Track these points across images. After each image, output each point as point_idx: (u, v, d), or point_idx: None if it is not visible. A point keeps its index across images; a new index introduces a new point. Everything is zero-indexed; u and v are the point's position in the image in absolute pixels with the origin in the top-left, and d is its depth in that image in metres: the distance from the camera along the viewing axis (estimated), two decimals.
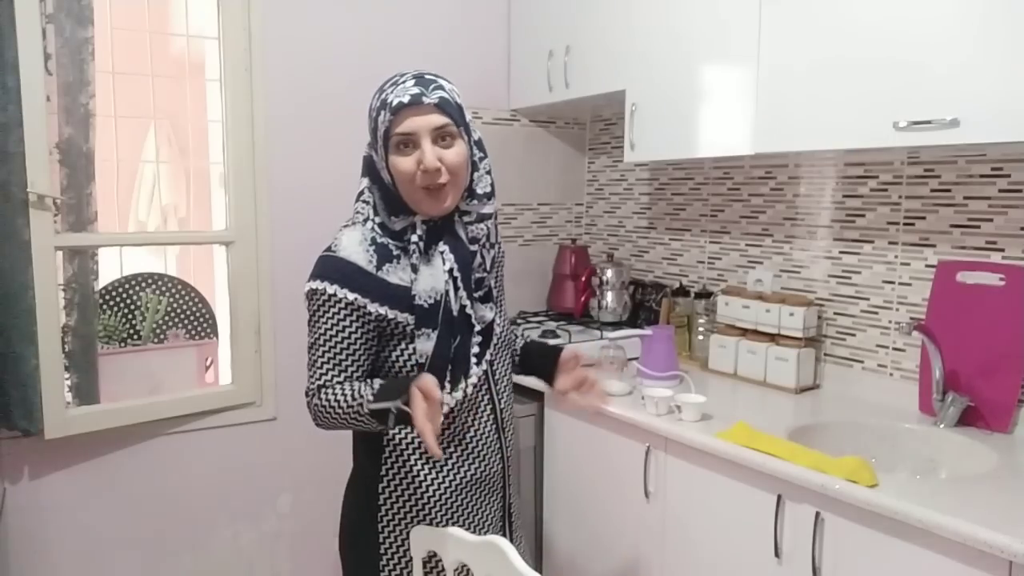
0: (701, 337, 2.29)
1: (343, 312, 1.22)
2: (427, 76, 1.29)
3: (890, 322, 1.90)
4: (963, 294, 1.71)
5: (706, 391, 1.91)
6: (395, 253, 1.26)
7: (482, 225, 1.31)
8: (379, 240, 1.26)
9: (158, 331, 2.60)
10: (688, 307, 2.35)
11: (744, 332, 2.10)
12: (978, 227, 1.73)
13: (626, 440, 1.84)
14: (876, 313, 1.93)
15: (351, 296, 1.21)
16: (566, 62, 2.34)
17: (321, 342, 1.23)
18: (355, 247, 1.24)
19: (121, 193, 3.03)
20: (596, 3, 2.24)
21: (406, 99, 1.23)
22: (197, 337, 2.67)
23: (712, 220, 2.38)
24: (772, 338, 2.02)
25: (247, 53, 2.15)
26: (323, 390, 1.23)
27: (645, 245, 2.63)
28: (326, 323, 1.22)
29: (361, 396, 1.18)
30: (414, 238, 1.26)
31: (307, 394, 1.26)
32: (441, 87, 1.28)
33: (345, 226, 1.29)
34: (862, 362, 1.96)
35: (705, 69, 1.93)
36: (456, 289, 1.26)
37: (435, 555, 1.26)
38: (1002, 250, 1.69)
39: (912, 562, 1.26)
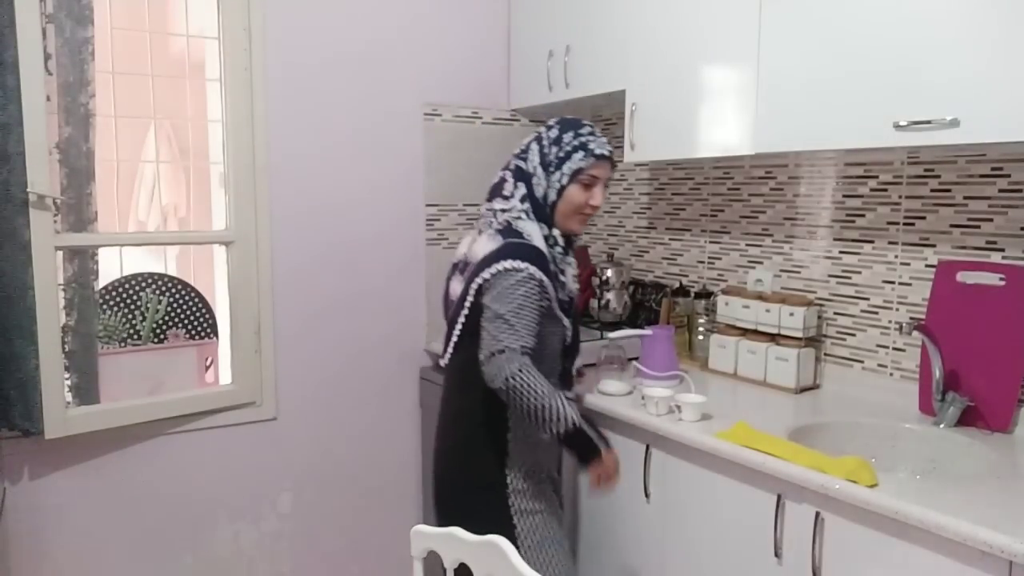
0: (701, 337, 2.29)
1: (536, 290, 1.48)
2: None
3: (890, 322, 1.90)
4: (963, 294, 1.71)
5: (706, 391, 1.91)
6: (551, 253, 1.58)
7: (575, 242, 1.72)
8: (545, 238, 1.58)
9: (158, 331, 2.60)
10: (688, 307, 2.35)
11: (744, 332, 2.10)
12: (978, 227, 1.73)
13: (626, 440, 1.84)
14: (876, 313, 1.93)
15: (544, 279, 1.49)
16: (566, 62, 2.34)
17: (515, 309, 1.44)
18: (540, 240, 1.55)
19: (121, 193, 3.02)
20: (596, 3, 2.24)
21: (607, 152, 1.60)
22: (197, 337, 2.67)
23: (712, 220, 2.38)
24: (772, 338, 2.02)
25: (247, 53, 2.15)
26: (525, 356, 1.43)
27: (645, 245, 2.63)
28: (521, 296, 1.45)
29: (565, 407, 1.44)
30: (561, 243, 1.61)
31: (500, 352, 1.42)
32: None
33: (510, 216, 1.57)
34: (862, 362, 1.96)
35: (705, 69, 1.93)
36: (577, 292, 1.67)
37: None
38: (1002, 250, 1.69)
39: (912, 562, 1.26)
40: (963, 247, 1.75)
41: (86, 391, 2.08)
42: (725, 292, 2.17)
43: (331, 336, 2.39)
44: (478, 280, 1.50)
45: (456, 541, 1.18)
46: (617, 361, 1.99)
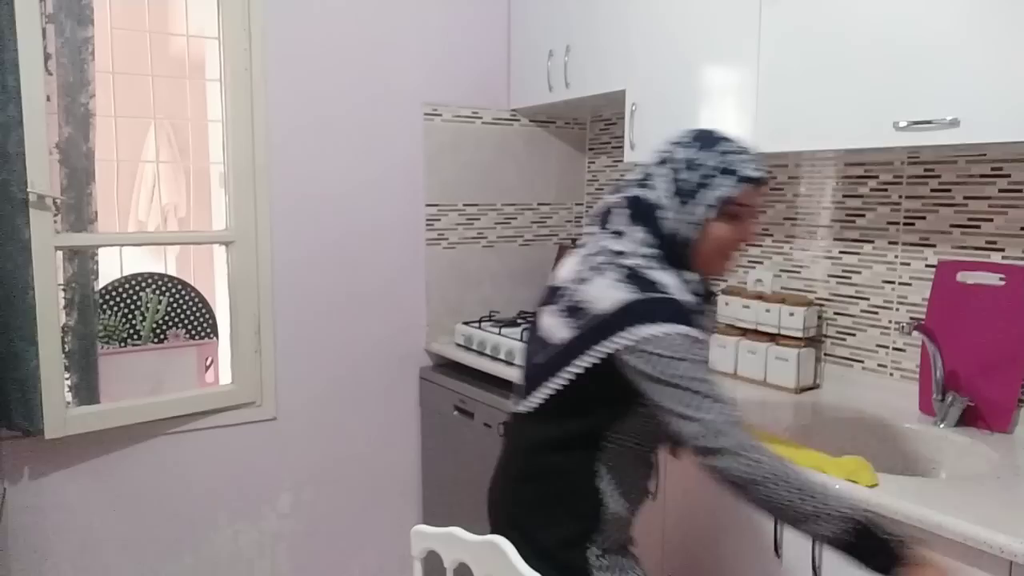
0: None
1: (702, 349, 1.16)
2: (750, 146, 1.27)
3: (890, 322, 1.90)
4: (963, 294, 1.71)
5: None
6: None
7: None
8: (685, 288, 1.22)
9: (158, 331, 2.60)
10: None
11: (744, 332, 2.10)
12: (978, 227, 1.73)
13: None
14: (876, 313, 1.93)
15: (702, 338, 1.17)
16: (566, 62, 2.34)
17: (701, 379, 1.12)
18: (684, 295, 1.19)
19: (121, 193, 3.02)
20: (596, 3, 2.24)
21: (763, 174, 1.24)
22: (197, 337, 2.67)
23: None
24: (772, 338, 2.02)
25: (247, 53, 2.15)
26: (747, 433, 1.11)
27: None
28: (694, 361, 1.13)
29: (832, 495, 1.06)
30: (700, 290, 1.25)
31: (720, 437, 1.09)
32: None
33: (635, 264, 1.20)
34: (862, 362, 1.96)
35: (705, 69, 1.93)
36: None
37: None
38: (1002, 250, 1.69)
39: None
40: (963, 247, 1.75)
41: (86, 391, 2.08)
42: (725, 292, 2.17)
43: (331, 336, 2.39)
44: (615, 344, 1.15)
45: (456, 541, 1.18)
46: None
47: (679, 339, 1.12)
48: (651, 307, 1.15)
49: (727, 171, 1.21)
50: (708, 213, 1.21)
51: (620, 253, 1.22)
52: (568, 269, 1.30)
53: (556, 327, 1.24)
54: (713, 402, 1.10)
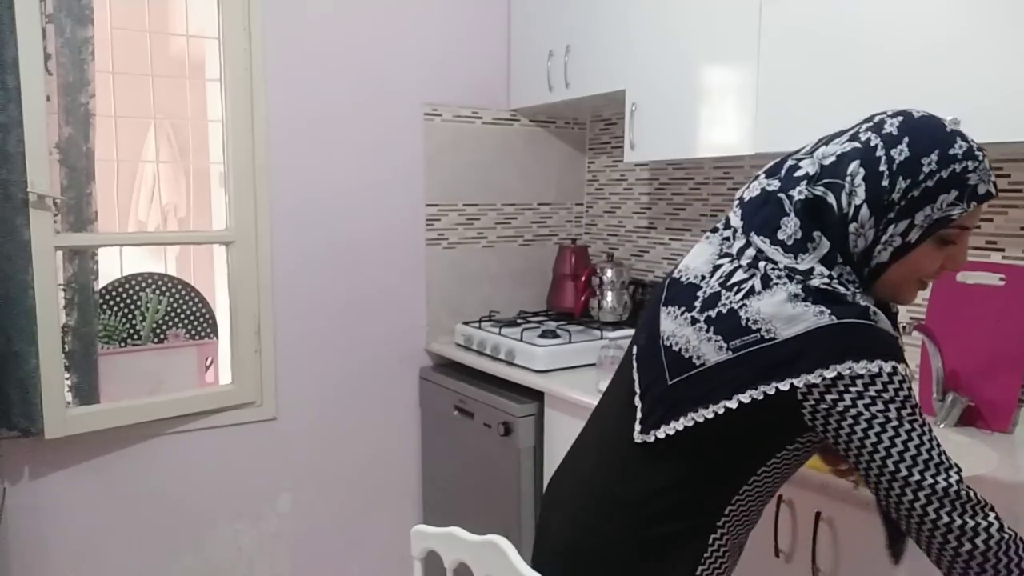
0: None
1: (912, 395, 0.89)
2: (983, 150, 0.96)
3: None
4: (963, 294, 1.71)
5: None
6: None
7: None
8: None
9: (158, 331, 2.60)
10: None
11: None
12: (978, 227, 1.73)
13: None
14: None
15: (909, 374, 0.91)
16: (566, 62, 2.34)
17: (919, 435, 0.87)
18: (888, 324, 0.91)
19: (121, 193, 3.03)
20: (596, 3, 2.24)
21: (993, 190, 0.93)
22: (197, 337, 2.67)
23: (712, 220, 2.37)
24: None
25: (247, 53, 2.15)
26: (969, 495, 0.89)
27: (645, 245, 2.63)
28: (915, 408, 0.88)
29: None
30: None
31: (954, 505, 0.86)
32: None
33: (824, 288, 0.90)
34: None
35: (705, 69, 1.93)
36: None
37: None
38: (1002, 250, 1.69)
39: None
40: None
41: (86, 391, 2.08)
42: None
43: (331, 336, 2.39)
44: (802, 380, 0.87)
45: (456, 541, 1.18)
46: (617, 361, 1.99)
47: (894, 381, 0.86)
48: (857, 337, 0.87)
49: (955, 183, 0.90)
50: (914, 235, 0.91)
51: (791, 270, 0.92)
52: (703, 261, 1.01)
53: (694, 341, 0.95)
54: (940, 468, 0.87)
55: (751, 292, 0.92)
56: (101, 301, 2.47)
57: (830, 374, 0.86)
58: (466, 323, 2.52)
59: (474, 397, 2.28)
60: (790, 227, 0.93)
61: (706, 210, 2.39)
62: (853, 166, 0.92)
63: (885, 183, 0.90)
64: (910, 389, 0.88)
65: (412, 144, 2.49)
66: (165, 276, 2.69)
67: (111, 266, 2.59)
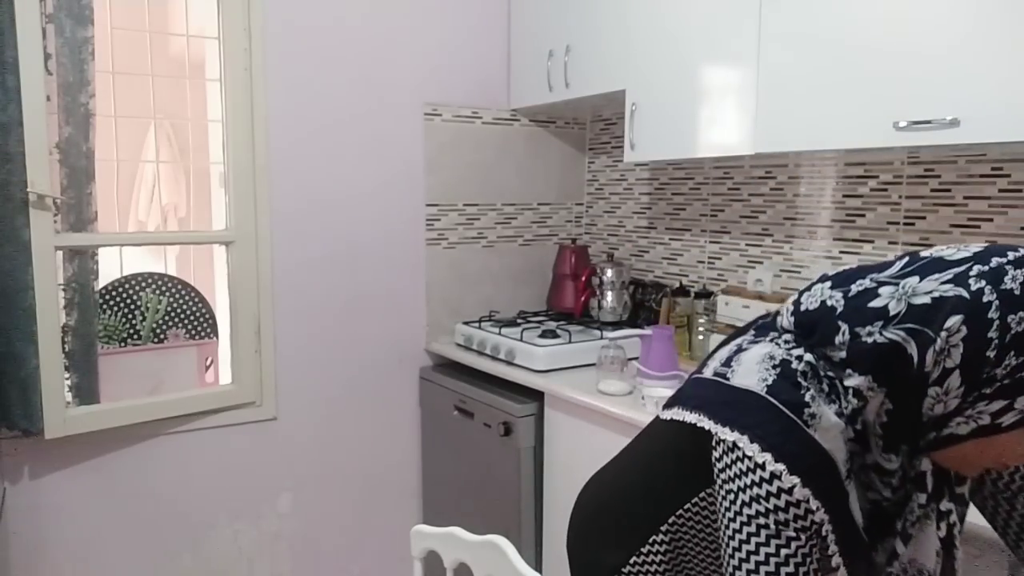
0: (701, 337, 2.28)
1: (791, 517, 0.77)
2: None
3: None
4: None
5: None
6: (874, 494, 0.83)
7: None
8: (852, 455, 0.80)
9: (158, 331, 2.60)
10: (688, 307, 2.35)
11: None
12: (978, 227, 1.73)
13: (626, 440, 1.83)
14: None
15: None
16: (566, 62, 2.34)
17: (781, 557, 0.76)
18: (838, 443, 0.77)
19: (121, 193, 3.03)
20: (596, 3, 2.24)
21: None
22: (197, 337, 2.68)
23: (712, 220, 2.38)
24: None
25: (247, 53, 2.15)
26: None
27: (645, 245, 2.63)
28: (791, 540, 0.75)
29: None
30: (922, 498, 0.81)
31: None
32: None
33: (794, 366, 0.80)
34: None
35: (705, 69, 1.93)
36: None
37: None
38: None
39: None
40: None
41: (86, 391, 2.08)
42: (725, 292, 2.17)
43: (331, 336, 2.39)
44: (684, 416, 0.87)
45: (456, 541, 1.18)
46: (617, 361, 1.99)
47: (774, 487, 0.75)
48: (772, 425, 0.78)
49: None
50: (1012, 419, 0.74)
51: (790, 350, 0.82)
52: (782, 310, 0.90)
53: (716, 358, 0.92)
54: None
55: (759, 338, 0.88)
56: (101, 301, 2.47)
57: (730, 437, 0.78)
58: (466, 323, 2.52)
59: (474, 397, 2.28)
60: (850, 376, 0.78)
61: (706, 210, 2.39)
62: (954, 322, 0.72)
63: (991, 354, 0.71)
64: (794, 513, 0.74)
65: (412, 144, 2.49)
66: (165, 276, 2.69)
67: (111, 266, 2.59)
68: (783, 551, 0.75)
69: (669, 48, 2.01)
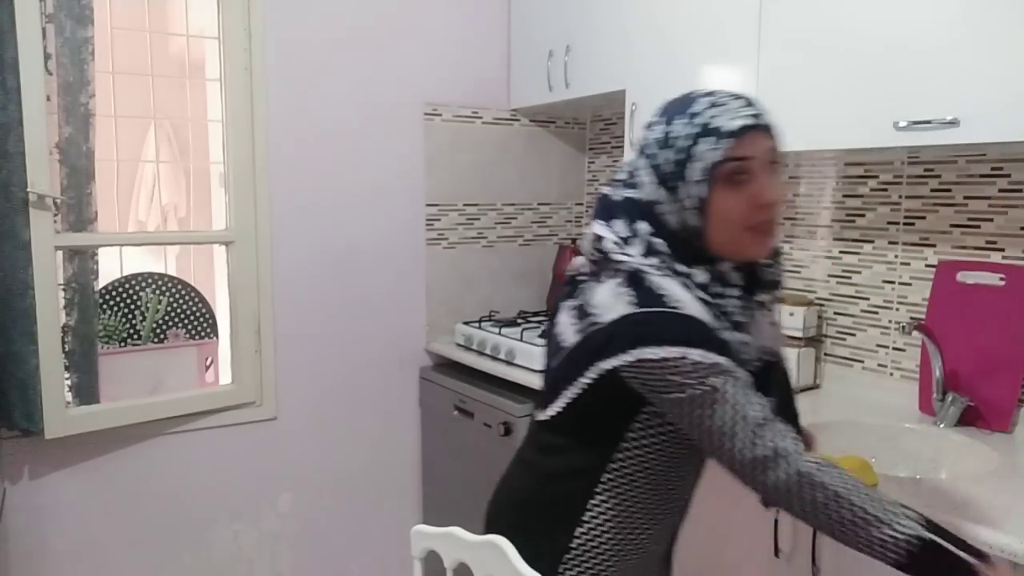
0: None
1: (714, 371, 0.97)
2: (741, 94, 1.04)
3: (890, 322, 1.90)
4: (963, 294, 1.71)
5: None
6: (713, 310, 1.02)
7: (778, 267, 1.14)
8: (699, 296, 1.02)
9: (158, 331, 2.60)
10: None
11: None
12: (978, 227, 1.73)
13: None
14: (876, 313, 1.93)
15: (717, 360, 0.97)
16: (566, 62, 2.34)
17: (726, 402, 0.96)
18: (690, 303, 0.99)
19: (121, 193, 3.03)
20: (596, 3, 2.24)
21: (749, 121, 0.99)
22: (197, 337, 2.67)
23: None
24: None
25: (247, 53, 2.15)
26: (794, 442, 0.96)
27: None
28: (711, 387, 0.96)
29: (892, 508, 0.95)
30: (736, 281, 1.05)
31: (780, 458, 0.94)
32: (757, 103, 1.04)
33: (636, 266, 1.01)
34: (862, 362, 1.96)
35: (705, 69, 1.93)
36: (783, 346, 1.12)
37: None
38: (1002, 250, 1.69)
39: None
40: (963, 247, 1.75)
41: (86, 391, 2.08)
42: None
43: (331, 336, 2.39)
44: (612, 363, 1.00)
45: (456, 541, 1.18)
46: None
47: (688, 364, 0.95)
48: (652, 327, 0.97)
49: (705, 133, 0.99)
50: (701, 190, 1.00)
51: (621, 257, 1.03)
52: (581, 259, 1.14)
53: (567, 329, 1.09)
54: (745, 435, 0.95)
55: (595, 285, 1.06)
56: (101, 301, 2.47)
57: (629, 358, 0.98)
58: (466, 323, 2.52)
59: (474, 397, 2.28)
60: (619, 227, 1.06)
61: None
62: (639, 161, 1.07)
63: (659, 162, 1.03)
64: (708, 369, 0.96)
65: (412, 144, 2.49)
66: (165, 276, 2.69)
67: (111, 266, 2.59)
68: (725, 400, 0.96)
69: (669, 48, 2.02)
